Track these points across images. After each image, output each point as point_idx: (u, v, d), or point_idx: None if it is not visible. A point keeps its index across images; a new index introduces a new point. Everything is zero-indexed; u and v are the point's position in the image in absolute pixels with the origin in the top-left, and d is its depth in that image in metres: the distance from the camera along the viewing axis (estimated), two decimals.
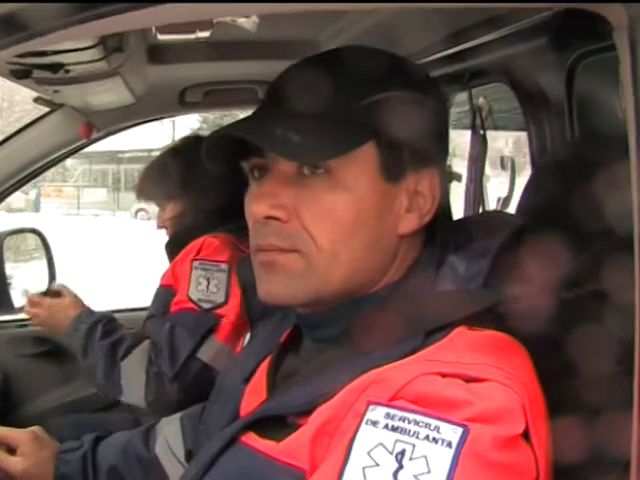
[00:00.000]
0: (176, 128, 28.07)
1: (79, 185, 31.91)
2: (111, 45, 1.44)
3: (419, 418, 0.80)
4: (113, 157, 31.87)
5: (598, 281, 0.96)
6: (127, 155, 31.84)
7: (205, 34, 1.70)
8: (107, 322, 2.24)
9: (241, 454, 0.98)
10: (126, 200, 29.88)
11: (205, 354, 2.09)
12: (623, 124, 1.24)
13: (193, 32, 1.68)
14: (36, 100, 2.36)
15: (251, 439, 0.98)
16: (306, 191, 0.97)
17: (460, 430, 0.79)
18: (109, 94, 2.13)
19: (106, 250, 14.94)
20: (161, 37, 1.72)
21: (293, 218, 0.98)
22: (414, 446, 0.79)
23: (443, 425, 0.79)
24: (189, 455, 1.37)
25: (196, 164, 2.27)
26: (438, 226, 1.04)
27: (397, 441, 0.80)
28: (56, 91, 1.97)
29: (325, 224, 0.97)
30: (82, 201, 30.40)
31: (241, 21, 1.67)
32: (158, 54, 2.13)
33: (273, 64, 2.35)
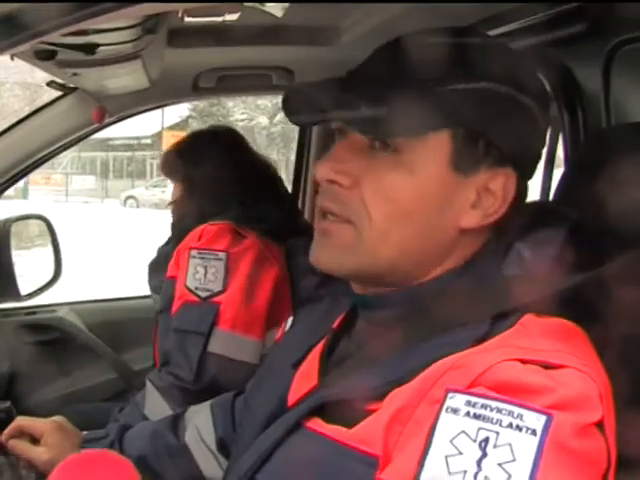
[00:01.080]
0: (165, 116, 28.02)
1: (68, 172, 31.81)
2: (148, 26, 1.40)
3: (501, 405, 0.79)
4: (102, 144, 31.78)
5: None
6: (116, 142, 31.77)
7: (233, 17, 1.68)
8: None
9: (308, 440, 0.96)
10: (115, 188, 29.88)
11: (216, 346, 2.06)
12: None
13: (222, 15, 1.65)
14: (49, 84, 2.32)
15: (317, 424, 0.96)
16: (373, 165, 0.97)
17: (544, 418, 0.77)
18: (127, 78, 2.10)
19: (95, 238, 14.88)
20: (188, 20, 1.69)
21: (354, 187, 0.97)
22: (498, 434, 0.77)
23: (526, 413, 0.78)
24: (220, 443, 1.36)
25: (211, 153, 2.26)
26: (509, 216, 1.02)
27: (480, 429, 0.78)
28: (75, 74, 1.93)
29: (382, 201, 0.96)
30: (71, 188, 30.33)
31: (270, 5, 1.64)
32: (177, 38, 2.09)
33: (289, 50, 2.35)
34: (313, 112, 1.01)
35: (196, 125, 23.27)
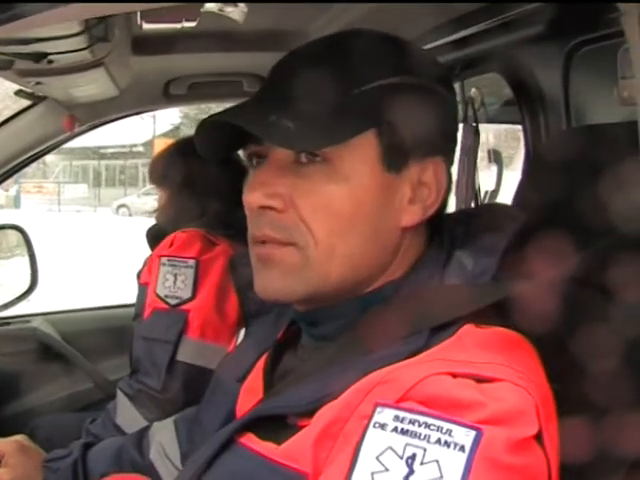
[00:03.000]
0: (157, 123, 28.06)
1: (60, 181, 31.81)
2: (96, 34, 1.39)
3: (430, 421, 0.76)
4: (94, 153, 31.82)
5: (603, 278, 0.92)
6: (108, 151, 31.79)
7: (191, 24, 1.66)
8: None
9: (239, 456, 0.93)
10: (107, 196, 29.86)
11: (184, 354, 2.06)
12: (622, 114, 1.22)
13: (179, 21, 1.64)
14: (17, 93, 2.31)
15: (250, 440, 0.94)
16: (303, 180, 0.93)
17: (473, 433, 0.75)
18: (93, 86, 2.08)
19: (88, 246, 14.87)
20: (146, 26, 1.68)
21: (289, 208, 0.94)
22: (425, 450, 0.75)
23: (455, 428, 0.75)
24: (185, 459, 1.33)
25: (196, 162, 2.25)
26: (444, 219, 1.01)
27: (407, 445, 0.76)
28: (38, 83, 1.92)
29: (322, 216, 0.93)
30: (63, 197, 30.33)
31: (229, 10, 1.63)
32: (143, 45, 2.08)
33: (260, 56, 2.33)
34: (232, 142, 0.99)
35: (187, 132, 23.26)
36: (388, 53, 0.97)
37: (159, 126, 28.60)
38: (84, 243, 15.41)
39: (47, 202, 29.09)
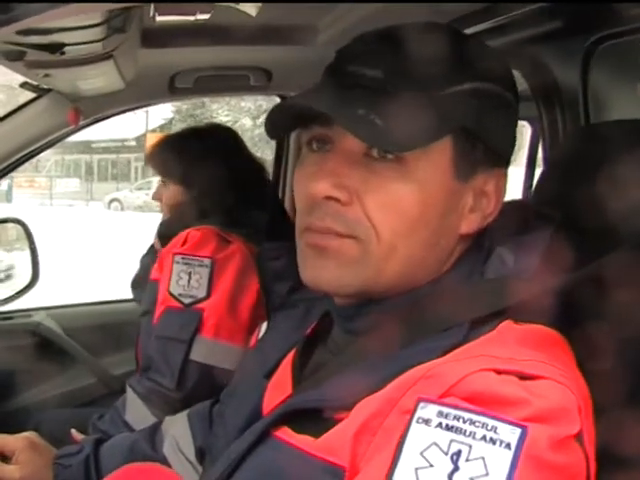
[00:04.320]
0: (149, 118, 27.99)
1: (52, 175, 31.73)
2: (114, 25, 1.37)
3: (475, 417, 0.76)
4: (86, 147, 31.74)
5: (633, 277, 0.92)
6: (100, 145, 31.72)
7: (205, 16, 1.65)
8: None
9: (275, 449, 0.93)
10: (99, 190, 29.82)
11: (198, 354, 2.04)
12: None
13: (193, 14, 1.62)
14: (23, 85, 2.29)
15: (285, 434, 0.93)
16: (373, 176, 0.91)
17: (518, 430, 0.74)
18: (100, 79, 2.06)
19: (80, 241, 14.83)
20: (160, 18, 1.66)
21: (355, 202, 0.91)
22: (471, 447, 0.74)
23: (501, 425, 0.75)
24: (200, 453, 1.33)
25: (212, 154, 2.21)
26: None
27: (452, 441, 0.75)
28: (47, 75, 1.90)
29: (389, 214, 0.91)
30: (55, 191, 30.26)
31: (243, 4, 1.61)
32: (151, 38, 2.05)
33: (267, 50, 2.32)
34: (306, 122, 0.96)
35: (180, 127, 23.21)
36: (472, 56, 0.94)
37: (152, 120, 28.54)
38: (76, 237, 15.37)
39: (39, 196, 29.02)
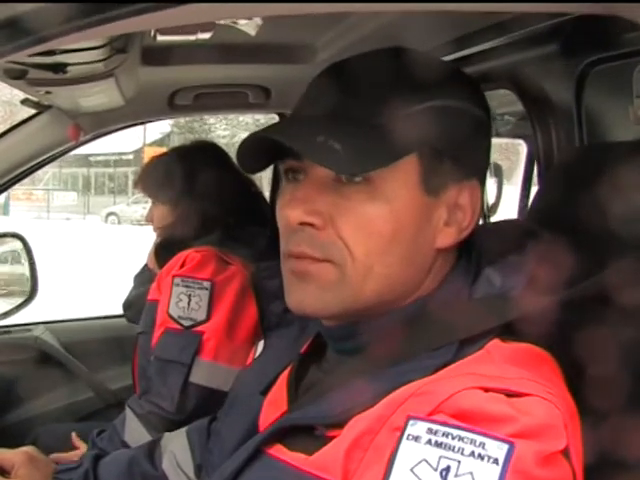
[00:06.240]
0: (147, 132, 28.02)
1: (49, 189, 31.72)
2: (117, 46, 1.39)
3: (463, 434, 0.78)
4: (83, 161, 31.74)
5: (623, 296, 0.93)
6: (98, 159, 31.73)
7: (206, 35, 1.67)
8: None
9: (269, 466, 0.94)
10: (96, 204, 29.80)
11: (198, 376, 2.03)
12: (634, 131, 1.22)
13: (194, 33, 1.64)
14: (24, 102, 2.31)
15: (279, 451, 0.94)
16: (343, 200, 0.93)
17: (506, 446, 0.76)
18: (100, 96, 2.08)
19: (77, 254, 14.82)
20: (160, 38, 1.68)
21: (328, 226, 0.94)
22: (459, 462, 0.76)
23: (488, 441, 0.77)
24: (199, 470, 1.33)
25: (199, 172, 2.22)
26: (475, 238, 1.01)
27: (441, 457, 0.77)
28: (48, 92, 1.92)
29: (362, 235, 0.93)
30: (52, 205, 30.23)
31: (243, 23, 1.63)
32: (151, 56, 2.07)
33: (266, 68, 2.35)
34: (270, 152, 0.98)
35: (178, 141, 23.25)
36: (430, 74, 0.96)
37: (149, 134, 28.59)
38: (74, 251, 15.35)
39: (36, 209, 29.02)
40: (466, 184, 0.98)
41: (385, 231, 0.93)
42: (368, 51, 1.01)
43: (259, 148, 0.98)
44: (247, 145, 0.98)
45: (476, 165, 1.00)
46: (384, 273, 0.94)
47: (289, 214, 0.95)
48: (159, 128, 28.49)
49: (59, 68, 1.41)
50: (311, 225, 0.94)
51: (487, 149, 1.03)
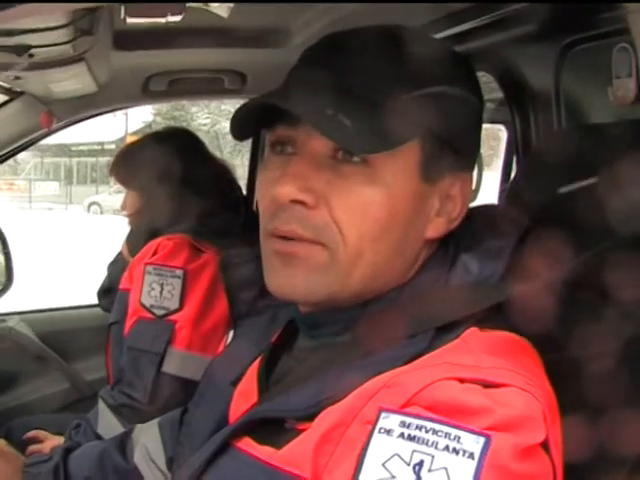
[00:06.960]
0: (129, 121, 27.93)
1: (31, 178, 31.59)
2: (81, 27, 1.35)
3: (437, 427, 0.75)
4: (65, 150, 31.63)
5: (602, 280, 0.91)
6: (80, 148, 31.61)
7: (176, 18, 1.63)
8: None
9: (237, 460, 0.91)
10: (79, 194, 29.70)
11: (170, 366, 2.01)
12: (613, 113, 1.20)
13: (164, 16, 1.60)
14: None
15: (247, 445, 0.91)
16: (340, 179, 0.89)
17: (482, 440, 0.73)
18: (72, 82, 2.04)
19: (59, 244, 14.76)
20: (130, 20, 1.64)
21: (321, 206, 0.89)
22: (433, 457, 0.73)
23: (464, 434, 0.74)
24: (171, 462, 1.30)
25: (171, 158, 2.18)
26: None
27: (414, 451, 0.74)
28: (17, 77, 1.88)
29: (356, 218, 0.89)
30: (34, 194, 30.10)
31: (214, 6, 1.60)
32: (124, 40, 2.04)
33: (241, 52, 2.31)
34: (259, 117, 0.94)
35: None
36: (438, 59, 0.93)
37: (131, 123, 28.46)
38: (55, 241, 15.29)
39: (18, 199, 28.90)
40: (460, 175, 0.95)
41: (380, 216, 0.89)
42: (380, 25, 0.96)
43: (250, 115, 0.94)
44: (245, 109, 0.93)
45: (471, 156, 0.98)
46: (374, 260, 0.91)
47: (279, 190, 0.89)
48: (141, 117, 28.39)
49: (23, 50, 1.37)
50: (302, 203, 0.90)
51: (480, 137, 1.01)
